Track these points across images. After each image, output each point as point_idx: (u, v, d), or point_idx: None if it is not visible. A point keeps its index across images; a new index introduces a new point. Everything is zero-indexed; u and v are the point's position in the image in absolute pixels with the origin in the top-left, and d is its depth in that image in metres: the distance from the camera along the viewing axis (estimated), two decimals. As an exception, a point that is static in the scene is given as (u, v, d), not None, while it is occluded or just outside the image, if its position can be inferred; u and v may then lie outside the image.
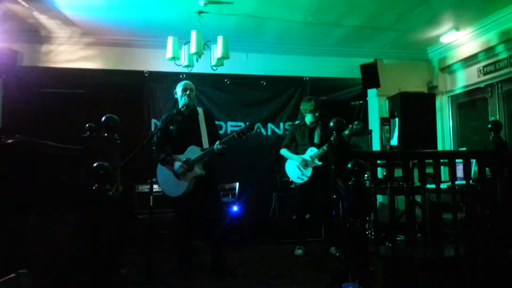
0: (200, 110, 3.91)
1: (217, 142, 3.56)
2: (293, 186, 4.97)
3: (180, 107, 3.73)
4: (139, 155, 3.36)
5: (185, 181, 3.66)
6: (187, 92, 3.72)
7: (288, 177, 4.91)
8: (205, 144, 3.71)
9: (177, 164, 3.66)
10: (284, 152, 4.80)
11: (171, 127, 3.75)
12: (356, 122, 4.32)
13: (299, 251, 4.62)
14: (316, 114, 4.67)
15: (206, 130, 3.77)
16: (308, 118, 4.73)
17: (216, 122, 5.51)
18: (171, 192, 3.74)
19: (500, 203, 2.77)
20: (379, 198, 5.04)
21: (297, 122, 5.32)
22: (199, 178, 3.67)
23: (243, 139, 3.68)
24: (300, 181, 4.64)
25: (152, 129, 5.42)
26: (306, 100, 4.79)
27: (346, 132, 4.06)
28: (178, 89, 3.82)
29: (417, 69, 6.24)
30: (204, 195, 3.71)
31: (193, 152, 3.67)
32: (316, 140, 4.64)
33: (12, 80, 5.00)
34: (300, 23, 5.04)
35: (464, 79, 5.83)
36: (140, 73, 5.53)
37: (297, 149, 4.75)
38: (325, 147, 4.29)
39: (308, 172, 4.56)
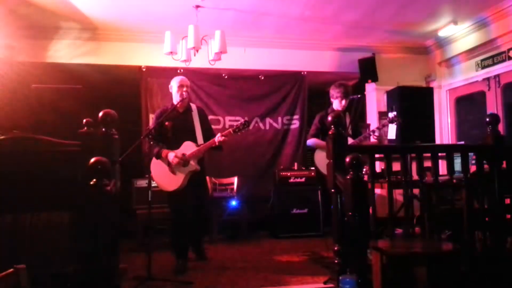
0: (193, 106, 3.94)
1: (218, 134, 3.63)
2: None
3: (175, 103, 3.76)
4: (137, 150, 3.36)
5: (180, 176, 3.69)
6: (184, 89, 3.77)
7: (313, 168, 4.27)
8: (199, 140, 3.75)
9: (171, 155, 3.66)
10: (314, 142, 4.16)
11: (166, 123, 3.73)
12: None
13: None
14: (343, 102, 4.09)
15: (200, 127, 3.80)
16: (335, 105, 4.17)
17: (214, 117, 5.60)
18: (165, 186, 3.76)
19: (498, 196, 2.78)
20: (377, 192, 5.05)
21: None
22: (194, 173, 3.71)
23: (238, 134, 3.74)
24: None
25: (150, 124, 5.41)
26: (337, 86, 4.16)
27: None
28: (174, 85, 3.83)
29: (415, 63, 6.23)
30: (195, 188, 3.77)
31: (188, 147, 3.70)
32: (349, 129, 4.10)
33: (9, 75, 4.97)
34: (298, 17, 5.01)
35: (462, 72, 5.82)
36: (138, 68, 5.53)
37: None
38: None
39: None
